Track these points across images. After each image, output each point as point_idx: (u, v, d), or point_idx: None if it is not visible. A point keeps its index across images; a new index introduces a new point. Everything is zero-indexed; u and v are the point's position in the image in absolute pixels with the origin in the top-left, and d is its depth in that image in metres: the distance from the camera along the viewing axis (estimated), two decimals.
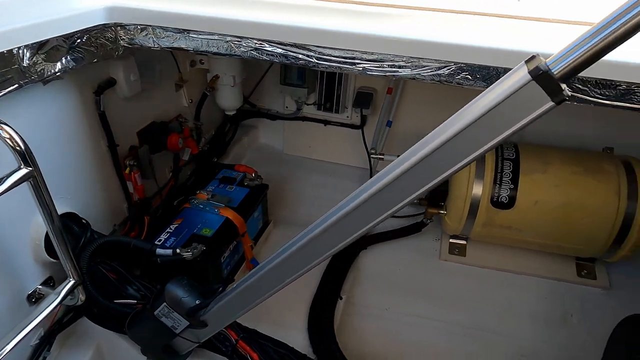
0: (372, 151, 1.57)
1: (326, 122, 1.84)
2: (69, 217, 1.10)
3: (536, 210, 1.30)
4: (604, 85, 0.80)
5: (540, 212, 1.30)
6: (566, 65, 0.48)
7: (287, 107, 1.87)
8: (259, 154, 1.96)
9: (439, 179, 0.59)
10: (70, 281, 0.98)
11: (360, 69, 0.92)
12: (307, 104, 1.81)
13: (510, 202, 1.31)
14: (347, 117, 1.80)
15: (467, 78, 0.87)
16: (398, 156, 0.60)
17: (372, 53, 0.90)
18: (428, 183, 0.59)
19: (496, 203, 1.32)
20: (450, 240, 1.55)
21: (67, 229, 1.07)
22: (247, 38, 0.97)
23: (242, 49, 0.99)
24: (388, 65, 0.90)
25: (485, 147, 0.54)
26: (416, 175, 0.60)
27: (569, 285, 1.44)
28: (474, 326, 1.36)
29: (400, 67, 0.90)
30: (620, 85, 0.79)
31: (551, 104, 0.49)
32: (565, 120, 1.58)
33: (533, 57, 0.50)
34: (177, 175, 1.49)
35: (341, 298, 1.36)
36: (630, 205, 1.25)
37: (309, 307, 1.33)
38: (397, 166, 0.60)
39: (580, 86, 0.81)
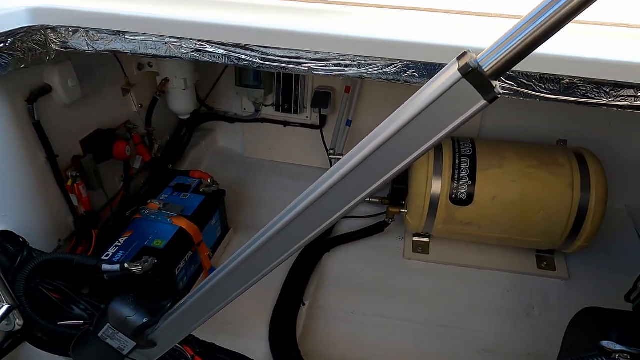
0: (331, 152, 1.54)
1: (286, 123, 1.80)
2: (4, 236, 1.02)
3: (494, 206, 1.30)
4: (548, 80, 0.79)
5: (498, 207, 1.30)
6: (496, 61, 0.46)
7: (245, 109, 1.82)
8: (218, 158, 1.90)
9: (377, 184, 0.56)
10: (3, 306, 0.91)
11: (306, 68, 0.89)
12: (266, 105, 1.76)
13: (469, 199, 1.30)
14: (307, 117, 1.77)
15: (414, 76, 0.84)
16: None
17: (317, 52, 0.87)
18: (363, 191, 0.56)
19: (455, 200, 1.31)
20: (414, 239, 1.54)
21: (1, 250, 1.00)
22: (187, 39, 0.92)
23: (182, 50, 0.93)
24: (333, 65, 0.87)
25: (421, 150, 0.52)
26: (356, 178, 0.57)
27: (530, 277, 1.45)
28: (440, 324, 1.35)
29: (346, 66, 0.87)
30: (564, 80, 0.79)
31: (483, 102, 0.47)
32: (520, 113, 1.60)
33: (464, 54, 0.48)
34: (128, 185, 1.42)
35: (304, 304, 1.32)
36: (584, 196, 1.27)
37: (271, 315, 1.29)
38: (336, 171, 0.57)
39: (525, 81, 0.80)
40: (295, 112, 1.74)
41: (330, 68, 0.88)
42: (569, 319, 1.38)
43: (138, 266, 1.07)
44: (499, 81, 0.47)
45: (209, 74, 1.74)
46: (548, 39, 0.44)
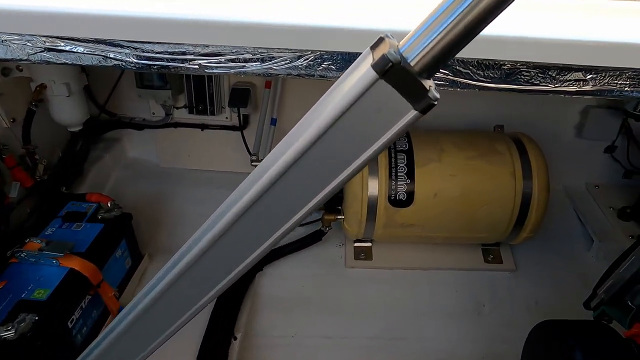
0: (254, 157, 1.35)
1: (203, 127, 1.58)
2: None
3: (436, 204, 1.19)
4: (488, 66, 0.67)
5: (440, 205, 1.19)
6: (428, 49, 0.30)
7: (154, 114, 1.58)
8: (128, 172, 1.65)
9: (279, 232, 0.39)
10: None
11: (196, 66, 0.70)
12: (177, 108, 1.54)
13: (409, 199, 1.18)
14: (227, 118, 1.56)
15: (330, 69, 0.68)
16: None
17: (206, 45, 0.68)
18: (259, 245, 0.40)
19: (394, 202, 1.19)
20: (355, 245, 1.41)
21: None
22: (31, 35, 0.69)
23: (28, 50, 0.71)
24: (229, 60, 0.69)
25: (329, 187, 0.35)
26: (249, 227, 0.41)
27: (477, 273, 1.37)
28: (390, 337, 1.23)
29: (245, 60, 0.69)
30: (505, 65, 0.67)
31: (413, 113, 0.31)
32: (456, 99, 1.50)
33: (381, 40, 0.32)
34: (5, 219, 1.15)
35: (235, 338, 1.15)
36: (526, 184, 1.19)
37: (197, 353, 1.11)
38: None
39: (461, 69, 0.67)
40: (213, 113, 1.53)
41: (226, 64, 0.69)
42: (519, 312, 1.33)
43: (10, 330, 0.84)
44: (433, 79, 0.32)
45: (104, 76, 1.48)
46: (499, 13, 0.30)
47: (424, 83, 0.30)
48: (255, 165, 1.28)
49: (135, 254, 1.27)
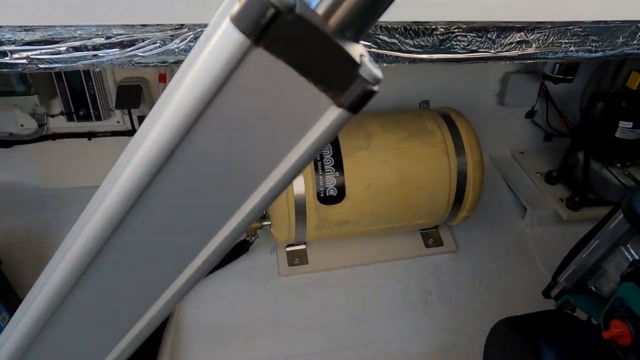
0: None
1: (90, 135, 1.32)
2: None
3: (370, 196, 1.07)
4: (417, 33, 0.54)
5: (375, 196, 1.07)
6: None
7: (22, 126, 1.28)
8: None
9: None
10: None
11: (24, 60, 0.49)
12: (52, 116, 1.26)
13: (340, 194, 1.05)
14: (118, 122, 1.31)
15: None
16: None
17: (29, 28, 0.47)
18: None
19: (325, 198, 1.05)
20: (287, 250, 1.26)
21: None
22: None
23: None
24: (73, 48, 0.49)
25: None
26: None
27: (419, 260, 1.29)
28: (337, 347, 1.11)
29: (96, 48, 0.49)
30: (437, 30, 0.54)
31: (337, 111, 0.16)
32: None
33: None
34: None
35: None
36: (460, 162, 1.11)
37: None
38: None
39: (386, 38, 0.53)
40: (100, 119, 1.27)
41: (70, 55, 0.49)
42: (466, 295, 1.28)
43: None
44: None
45: None
46: None
47: (348, 50, 0.15)
48: None
49: (11, 306, 1.01)
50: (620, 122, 1.24)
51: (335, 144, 1.06)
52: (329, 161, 1.04)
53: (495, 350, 0.74)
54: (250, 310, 1.16)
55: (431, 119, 1.15)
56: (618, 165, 1.24)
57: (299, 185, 1.04)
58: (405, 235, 1.31)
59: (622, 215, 0.56)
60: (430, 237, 1.32)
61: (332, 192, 1.05)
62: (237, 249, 1.20)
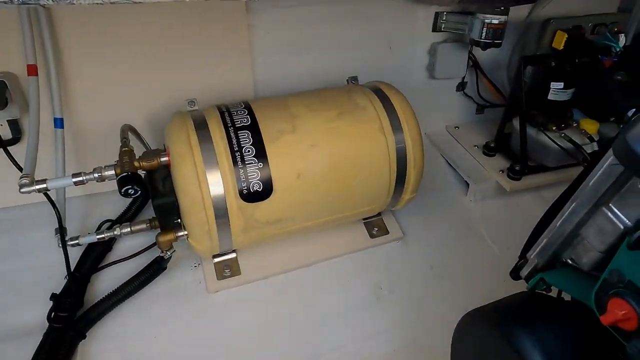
0: (24, 180, 0.88)
1: None
2: None
3: (302, 186, 0.92)
4: None
5: (308, 186, 0.93)
6: None
7: None
8: None
9: None
10: None
11: None
12: None
13: (267, 188, 0.89)
14: None
15: None
16: None
17: None
18: None
19: (249, 195, 0.88)
20: (215, 261, 1.07)
21: None
22: None
23: None
24: None
25: None
26: None
27: (365, 252, 1.17)
28: None
29: None
30: None
31: None
32: (299, 56, 1.25)
33: None
34: None
35: None
36: (398, 138, 1.00)
37: None
38: None
39: None
40: None
41: None
42: (418, 284, 1.17)
43: None
44: None
45: None
46: None
47: None
48: (28, 191, 0.84)
49: None
50: (552, 83, 1.20)
51: (254, 129, 0.90)
52: (249, 151, 0.88)
53: (464, 347, 0.62)
54: (176, 340, 0.97)
55: (362, 94, 1.03)
56: (554, 128, 1.20)
57: (216, 184, 0.86)
58: (347, 228, 1.18)
59: (606, 165, 0.46)
60: (374, 225, 1.20)
61: (257, 187, 0.88)
62: (152, 270, 1.00)
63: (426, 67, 1.40)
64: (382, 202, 1.06)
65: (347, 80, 1.16)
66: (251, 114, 0.93)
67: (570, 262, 0.54)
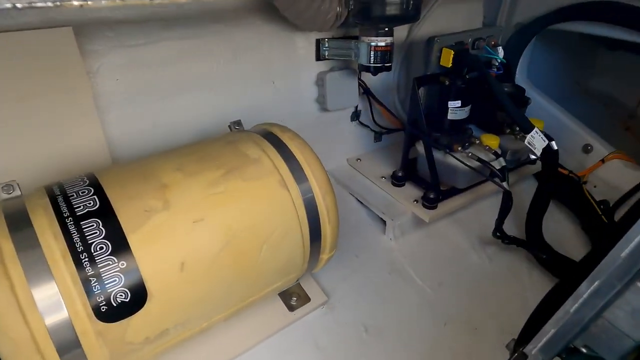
0: None
1: None
2: None
3: (189, 280, 0.67)
4: None
5: (198, 277, 0.68)
6: None
7: None
8: None
9: None
10: None
11: None
12: None
13: (138, 295, 0.62)
14: None
15: None
16: None
17: None
18: None
19: (111, 312, 0.60)
20: None
21: None
22: None
23: None
24: None
25: None
26: None
27: (287, 331, 0.94)
28: None
29: None
30: None
31: None
32: (158, 101, 1.00)
33: None
34: None
35: None
36: (304, 189, 0.81)
37: None
38: None
39: None
40: None
41: None
42: (355, 354, 0.98)
43: None
44: None
45: None
46: None
47: None
48: None
49: None
50: (449, 102, 1.13)
51: (106, 215, 0.63)
52: (101, 248, 0.61)
53: None
54: None
55: (251, 143, 0.82)
56: (460, 149, 1.12)
57: (52, 307, 0.57)
58: (260, 307, 0.94)
59: None
60: (292, 295, 0.99)
61: (123, 297, 0.61)
62: None
63: (316, 99, 1.26)
64: (298, 270, 0.86)
65: (230, 127, 0.95)
66: (100, 192, 0.66)
67: (584, 349, 0.40)
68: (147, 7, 0.92)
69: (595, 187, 1.41)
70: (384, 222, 1.20)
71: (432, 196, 1.15)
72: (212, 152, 0.78)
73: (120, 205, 0.65)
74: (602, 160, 1.41)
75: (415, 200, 1.20)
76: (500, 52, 1.20)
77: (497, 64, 1.19)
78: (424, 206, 1.17)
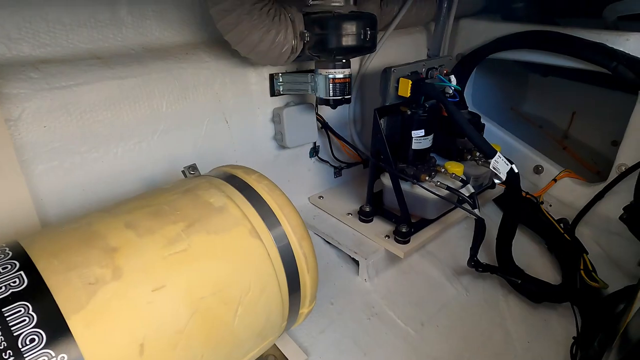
0: None
1: None
2: None
3: (154, 358, 0.54)
4: None
5: (161, 357, 0.55)
6: None
7: None
8: None
9: None
10: None
11: None
12: None
13: None
14: None
15: None
16: None
17: None
18: None
19: None
20: None
21: None
22: None
23: None
24: None
25: None
26: None
27: None
28: None
29: None
30: None
31: None
32: (98, 143, 0.87)
33: None
34: None
35: None
36: (277, 236, 0.71)
37: None
38: None
39: None
40: None
41: None
42: None
43: None
44: None
45: None
46: None
47: None
48: None
49: None
50: (413, 132, 1.10)
51: (38, 296, 0.49)
52: (33, 340, 0.47)
53: None
54: None
55: (213, 189, 0.72)
56: (427, 178, 1.09)
57: None
58: None
59: None
60: (267, 359, 0.86)
61: None
62: None
63: (273, 137, 1.19)
64: (277, 330, 0.75)
65: (184, 172, 0.84)
66: (27, 265, 0.52)
67: None
68: (79, 44, 0.80)
69: (550, 205, 1.45)
70: (357, 262, 1.13)
71: (404, 230, 1.10)
72: (168, 203, 0.67)
73: (56, 280, 0.51)
74: (554, 180, 1.45)
75: (387, 236, 1.14)
76: (454, 80, 1.20)
77: (451, 91, 1.20)
78: (397, 241, 1.11)
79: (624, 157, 1.27)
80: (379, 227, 1.18)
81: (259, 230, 0.69)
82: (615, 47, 1.24)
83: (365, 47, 1.00)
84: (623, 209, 1.17)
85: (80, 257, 0.55)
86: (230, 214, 0.67)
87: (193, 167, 0.84)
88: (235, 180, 0.74)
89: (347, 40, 0.96)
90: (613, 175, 1.30)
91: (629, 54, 1.22)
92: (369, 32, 0.97)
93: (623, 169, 1.27)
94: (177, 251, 0.60)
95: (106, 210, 0.66)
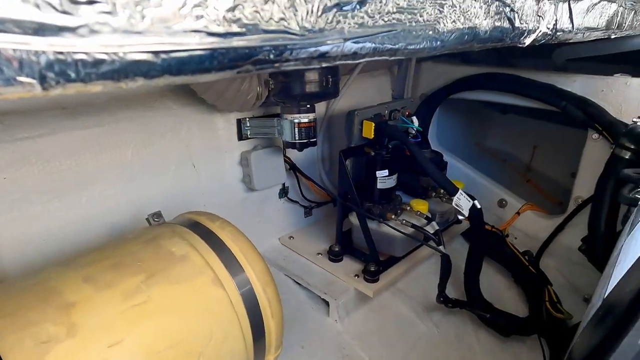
0: None
1: None
2: None
3: None
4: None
5: None
6: None
7: None
8: None
9: None
10: None
11: None
12: None
13: None
14: None
15: None
16: None
17: None
18: None
19: None
20: None
21: None
22: None
23: None
24: None
25: None
26: None
27: None
28: None
29: None
30: None
31: None
32: (61, 193, 0.87)
33: None
34: None
35: None
36: (240, 282, 0.72)
37: None
38: None
39: None
40: None
41: None
42: None
43: None
44: None
45: None
46: None
47: None
48: None
49: None
50: (377, 172, 1.14)
51: None
52: None
53: None
54: None
55: (176, 237, 0.72)
56: (393, 217, 1.12)
57: None
58: None
59: None
60: None
61: None
62: None
63: (241, 180, 1.20)
64: None
65: (148, 220, 0.84)
66: None
67: None
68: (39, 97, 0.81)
69: (516, 238, 1.49)
70: (327, 303, 1.13)
71: (372, 269, 1.11)
72: (129, 254, 0.67)
73: (7, 340, 0.50)
74: (518, 213, 1.50)
75: (356, 275, 1.14)
76: (415, 121, 1.26)
77: (414, 132, 1.25)
78: (366, 280, 1.12)
79: (580, 190, 1.33)
80: (349, 266, 1.19)
81: (221, 278, 0.69)
82: (564, 87, 1.33)
83: (328, 93, 1.05)
84: (581, 240, 1.22)
85: (35, 315, 0.54)
86: (192, 263, 0.67)
87: (157, 215, 0.84)
88: (198, 228, 0.75)
89: (310, 88, 1.00)
90: (571, 207, 1.35)
91: (576, 94, 1.30)
92: (330, 80, 1.02)
93: (580, 201, 1.33)
94: (136, 304, 0.59)
95: (65, 264, 0.65)
